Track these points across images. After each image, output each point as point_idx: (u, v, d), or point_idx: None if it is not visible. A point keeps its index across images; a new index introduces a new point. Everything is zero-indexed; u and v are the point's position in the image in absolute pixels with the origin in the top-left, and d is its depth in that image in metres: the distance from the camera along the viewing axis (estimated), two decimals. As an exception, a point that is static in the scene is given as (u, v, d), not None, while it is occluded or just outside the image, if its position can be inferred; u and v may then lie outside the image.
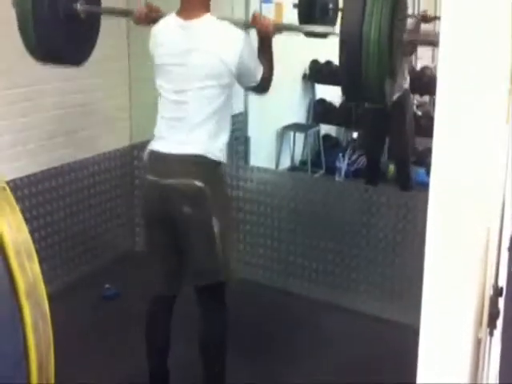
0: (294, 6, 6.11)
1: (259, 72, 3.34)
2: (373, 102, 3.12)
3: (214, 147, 3.27)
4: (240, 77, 3.26)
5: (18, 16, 3.40)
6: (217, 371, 3.43)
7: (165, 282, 3.43)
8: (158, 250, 3.42)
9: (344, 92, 3.28)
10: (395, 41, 2.83)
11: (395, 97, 6.23)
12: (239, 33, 3.26)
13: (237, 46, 3.20)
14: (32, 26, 3.37)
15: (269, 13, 7.02)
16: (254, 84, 3.37)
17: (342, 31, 2.82)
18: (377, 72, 2.79)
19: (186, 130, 3.25)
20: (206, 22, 3.22)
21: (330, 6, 6.14)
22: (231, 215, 3.58)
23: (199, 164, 3.24)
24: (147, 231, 3.51)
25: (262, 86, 3.43)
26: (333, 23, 5.84)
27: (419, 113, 7.30)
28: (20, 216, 1.51)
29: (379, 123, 6.49)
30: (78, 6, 3.45)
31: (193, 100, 3.23)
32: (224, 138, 3.33)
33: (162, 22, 3.34)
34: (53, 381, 1.50)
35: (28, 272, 1.44)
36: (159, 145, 3.32)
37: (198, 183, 3.20)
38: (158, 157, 3.32)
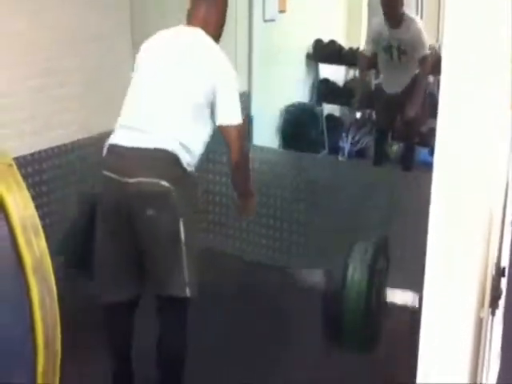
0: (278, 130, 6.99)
1: (237, 114, 3.10)
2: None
3: (186, 148, 3.03)
4: (216, 103, 3.07)
5: None
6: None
7: (121, 287, 3.15)
8: (114, 254, 3.10)
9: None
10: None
11: (410, 79, 6.35)
12: (230, 65, 3.18)
13: (224, 70, 3.13)
14: None
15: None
16: (227, 124, 3.09)
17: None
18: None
19: (155, 123, 3.05)
20: (203, 36, 3.20)
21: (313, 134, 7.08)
22: (197, 219, 3.33)
23: (165, 161, 2.98)
24: (102, 233, 3.14)
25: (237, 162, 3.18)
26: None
27: (424, 93, 7.28)
28: (26, 192, 1.52)
29: (393, 103, 6.55)
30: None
31: (170, 94, 3.08)
32: (198, 146, 3.13)
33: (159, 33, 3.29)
34: (59, 356, 1.51)
35: (35, 248, 1.45)
36: (119, 137, 3.06)
37: (165, 183, 2.92)
38: (117, 151, 3.04)
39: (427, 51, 6.23)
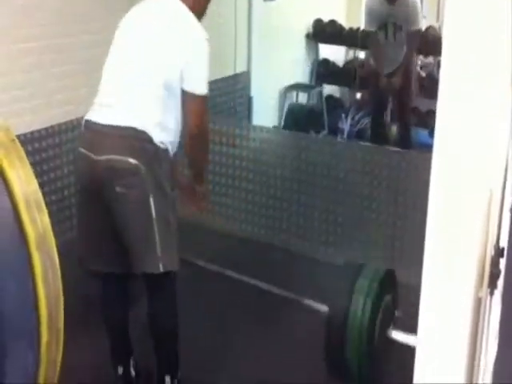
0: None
1: (202, 85, 3.08)
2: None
3: (160, 125, 3.02)
4: (185, 70, 3.03)
5: None
6: (170, 358, 3.31)
7: (97, 262, 3.19)
8: (91, 229, 3.16)
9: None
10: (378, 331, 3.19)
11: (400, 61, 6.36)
12: (204, 38, 3.09)
13: (197, 43, 3.07)
14: None
15: None
16: (191, 91, 3.06)
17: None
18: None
19: (125, 101, 3.05)
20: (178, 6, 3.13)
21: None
22: (173, 198, 3.18)
23: (134, 139, 2.97)
24: (80, 208, 3.31)
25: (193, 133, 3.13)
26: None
27: (423, 74, 7.27)
28: (29, 168, 1.53)
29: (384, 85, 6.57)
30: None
31: (143, 71, 3.06)
32: (174, 123, 3.10)
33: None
34: (62, 331, 1.52)
35: (38, 223, 1.46)
36: (94, 113, 3.08)
37: (133, 161, 2.93)
38: (91, 127, 3.06)
39: (419, 26, 6.27)
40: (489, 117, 1.60)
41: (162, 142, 3.02)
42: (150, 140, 2.98)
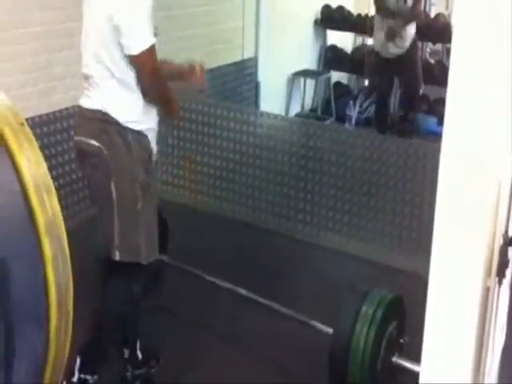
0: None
1: (140, 40, 2.85)
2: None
3: (119, 106, 2.95)
4: (118, 35, 2.84)
5: None
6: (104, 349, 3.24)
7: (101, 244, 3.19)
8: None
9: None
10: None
11: (404, 49, 6.32)
12: None
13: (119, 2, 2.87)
14: None
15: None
16: (132, 53, 2.86)
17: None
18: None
19: (89, 84, 3.02)
20: None
21: None
22: (146, 184, 3.03)
23: (101, 121, 2.96)
24: None
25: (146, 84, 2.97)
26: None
27: (432, 61, 7.25)
28: (38, 151, 1.53)
29: (388, 72, 6.56)
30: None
31: (88, 51, 2.99)
32: (132, 100, 2.97)
33: None
34: (71, 315, 1.53)
35: (47, 206, 1.46)
36: (81, 98, 3.12)
37: (95, 142, 2.94)
38: (77, 111, 3.21)
39: None
40: (498, 106, 1.59)
41: (135, 122, 2.97)
42: (115, 122, 2.94)
